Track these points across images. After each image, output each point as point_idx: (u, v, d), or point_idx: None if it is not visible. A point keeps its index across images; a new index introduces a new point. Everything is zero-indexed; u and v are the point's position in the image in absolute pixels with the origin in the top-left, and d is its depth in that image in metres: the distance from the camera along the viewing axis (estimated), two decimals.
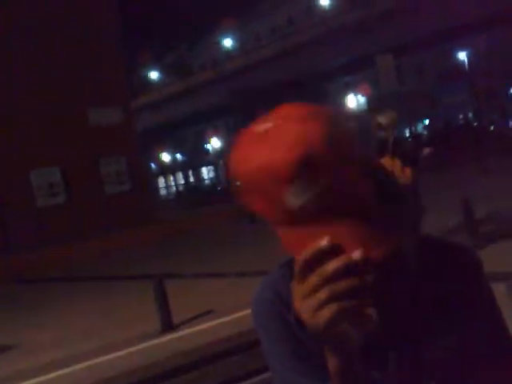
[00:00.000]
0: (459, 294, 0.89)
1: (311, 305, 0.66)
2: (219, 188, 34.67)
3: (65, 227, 15.95)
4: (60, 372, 4.81)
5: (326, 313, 0.65)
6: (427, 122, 38.01)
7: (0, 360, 5.67)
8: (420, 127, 37.42)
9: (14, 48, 16.80)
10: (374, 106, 35.89)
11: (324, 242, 0.66)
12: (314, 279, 0.66)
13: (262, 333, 0.92)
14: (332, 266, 0.66)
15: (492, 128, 30.87)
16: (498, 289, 2.43)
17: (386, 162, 3.99)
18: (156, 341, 5.33)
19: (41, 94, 16.95)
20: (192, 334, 5.30)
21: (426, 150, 5.21)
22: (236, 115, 46.90)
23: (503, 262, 5.42)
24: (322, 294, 0.65)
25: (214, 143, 53.03)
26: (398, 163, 4.05)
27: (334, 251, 0.66)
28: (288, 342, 0.88)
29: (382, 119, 4.47)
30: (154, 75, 61.14)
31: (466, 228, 7.07)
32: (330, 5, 43.28)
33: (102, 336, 5.88)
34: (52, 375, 4.75)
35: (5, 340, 6.37)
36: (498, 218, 8.21)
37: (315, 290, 0.66)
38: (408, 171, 4.01)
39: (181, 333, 5.48)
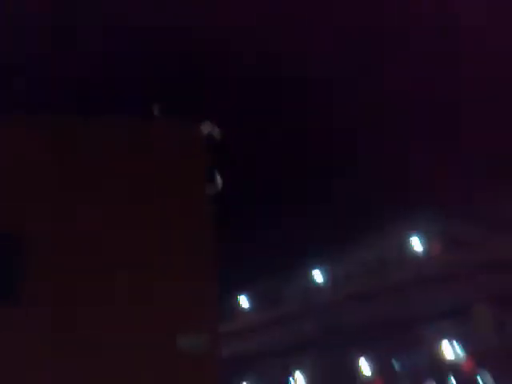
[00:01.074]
0: None
1: None
2: None
3: None
4: None
5: None
6: None
7: None
8: None
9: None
10: (473, 358, 33.64)
11: None
12: None
13: None
14: None
15: None
16: None
17: None
18: None
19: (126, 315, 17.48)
20: None
21: None
22: (323, 351, 45.39)
23: None
24: None
25: (299, 379, 50.65)
26: None
27: None
28: None
29: None
30: (242, 301, 62.29)
31: None
32: (424, 251, 43.88)
33: None
34: None
35: None
36: None
37: None
38: None
39: None
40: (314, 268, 55.21)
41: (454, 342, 37.05)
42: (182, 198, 19.33)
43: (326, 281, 53.01)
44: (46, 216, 15.12)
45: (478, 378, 37.38)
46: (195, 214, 19.96)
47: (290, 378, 51.33)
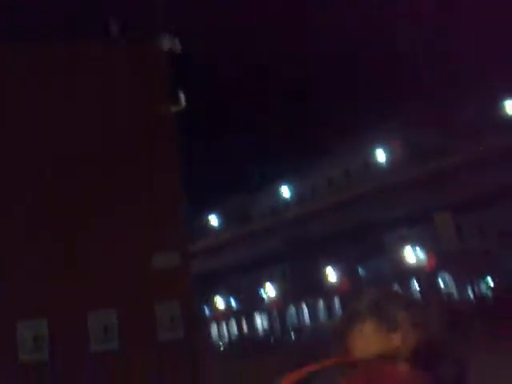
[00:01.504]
0: None
1: None
2: (272, 339, 33.75)
3: (117, 377, 15.68)
4: None
5: None
6: (490, 281, 36.65)
7: None
8: (484, 287, 36.02)
9: (78, 192, 17.98)
10: (434, 262, 35.37)
11: None
12: None
13: None
14: None
15: None
16: None
17: None
18: None
19: (100, 237, 17.72)
20: None
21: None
22: (292, 262, 46.97)
23: None
24: None
25: (270, 290, 52.65)
26: None
27: None
28: None
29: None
30: (212, 220, 63.15)
31: None
32: (387, 161, 44.68)
33: None
34: None
35: None
36: None
37: None
38: None
39: None
40: (281, 185, 55.92)
41: (417, 248, 38.72)
42: (145, 116, 19.11)
43: (293, 196, 53.93)
44: None
45: (439, 278, 39.53)
46: (160, 133, 19.84)
47: (261, 290, 53.35)
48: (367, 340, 0.81)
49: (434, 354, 0.74)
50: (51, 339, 16.38)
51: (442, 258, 30.43)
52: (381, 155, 45.40)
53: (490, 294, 30.92)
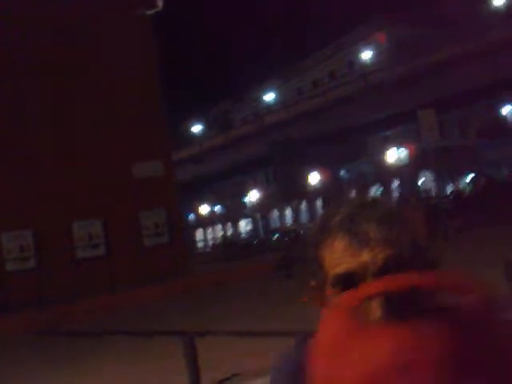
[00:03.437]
0: None
1: None
2: (255, 242, 34.58)
3: (103, 279, 16.02)
4: None
5: None
6: (470, 177, 37.30)
7: None
8: (463, 183, 36.70)
9: (61, 101, 17.48)
10: (416, 161, 35.71)
11: None
12: None
13: None
14: None
15: None
16: None
17: None
18: None
19: (84, 145, 17.45)
20: None
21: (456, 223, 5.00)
22: (275, 167, 47.20)
23: None
24: None
25: (253, 196, 53.32)
26: None
27: None
28: None
29: None
30: (196, 128, 62.64)
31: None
32: (372, 59, 43.85)
33: None
34: None
35: None
36: None
37: None
38: None
39: None
40: (265, 90, 55.05)
41: (399, 149, 38.90)
42: (119, 19, 18.37)
43: (277, 101, 53.27)
44: None
45: (419, 177, 40.19)
46: (136, 36, 19.09)
47: (245, 195, 54.02)
48: (338, 256, 0.79)
49: (404, 270, 0.72)
50: (37, 249, 16.57)
51: (423, 156, 30.61)
52: (366, 54, 44.47)
53: (469, 188, 31.55)
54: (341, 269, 0.78)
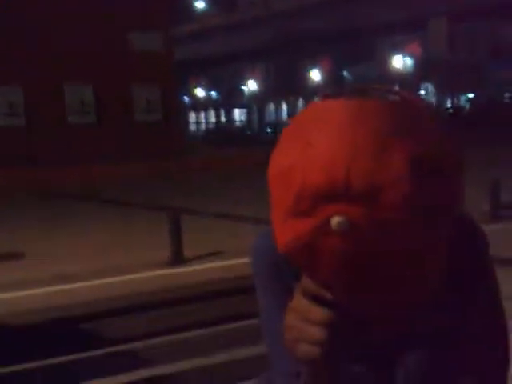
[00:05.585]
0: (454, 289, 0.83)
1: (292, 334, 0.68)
2: (249, 132, 34.49)
3: (93, 148, 16.09)
4: (64, 286, 4.93)
5: (302, 348, 0.67)
6: (471, 95, 36.86)
7: (11, 266, 5.84)
8: (463, 100, 36.33)
9: None
10: (421, 71, 35.03)
11: (328, 295, 0.65)
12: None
13: (257, 281, 0.93)
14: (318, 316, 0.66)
15: None
16: (506, 275, 2.35)
17: None
18: (163, 271, 5.42)
19: (79, 12, 16.72)
20: (200, 270, 5.37)
21: None
22: (276, 59, 45.97)
23: None
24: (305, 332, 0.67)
25: (251, 86, 52.36)
26: None
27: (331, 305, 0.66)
28: (280, 295, 0.87)
29: None
30: (199, 4, 59.80)
31: (489, 211, 6.94)
32: None
33: (112, 258, 5.99)
34: (55, 288, 4.88)
35: (20, 247, 6.55)
36: None
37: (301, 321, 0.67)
38: None
39: (189, 267, 5.55)
40: None
41: (406, 57, 37.94)
42: None
43: None
44: None
45: (422, 88, 39.60)
46: None
47: (243, 84, 53.07)
48: None
49: None
50: (27, 107, 16.40)
51: (429, 67, 29.97)
52: None
53: (467, 106, 31.33)
54: None
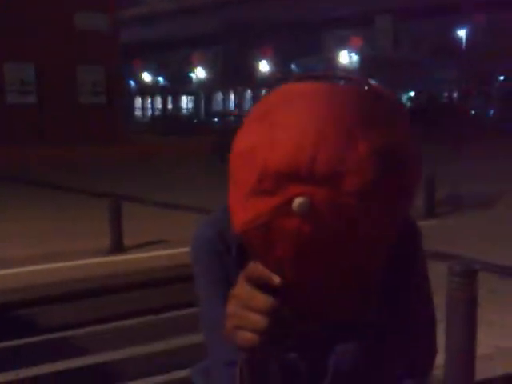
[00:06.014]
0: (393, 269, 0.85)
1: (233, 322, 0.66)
2: (196, 121, 34.17)
3: (33, 129, 15.59)
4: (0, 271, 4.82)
5: (242, 336, 0.65)
6: (412, 93, 37.95)
7: None
8: (404, 98, 37.33)
9: None
10: (366, 66, 35.70)
11: (276, 280, 0.63)
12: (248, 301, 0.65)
13: (197, 270, 0.92)
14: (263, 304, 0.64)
15: (473, 113, 31.05)
16: (439, 269, 2.50)
17: None
18: (102, 259, 5.36)
19: None
20: (139, 258, 5.35)
21: None
22: (225, 47, 45.70)
23: (450, 242, 5.59)
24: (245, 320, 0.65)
25: (199, 72, 51.86)
26: None
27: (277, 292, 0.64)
28: (220, 284, 0.88)
29: None
30: None
31: (424, 206, 7.24)
32: None
33: (50, 244, 5.88)
34: None
35: None
36: (458, 200, 8.42)
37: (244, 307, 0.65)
38: None
39: (128, 255, 5.52)
40: None
41: (352, 53, 38.52)
42: None
43: None
44: None
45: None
46: None
47: (191, 71, 52.45)
48: None
49: None
50: (39, 85, 15.81)
51: (374, 64, 30.60)
52: None
53: (409, 104, 32.23)
54: None
